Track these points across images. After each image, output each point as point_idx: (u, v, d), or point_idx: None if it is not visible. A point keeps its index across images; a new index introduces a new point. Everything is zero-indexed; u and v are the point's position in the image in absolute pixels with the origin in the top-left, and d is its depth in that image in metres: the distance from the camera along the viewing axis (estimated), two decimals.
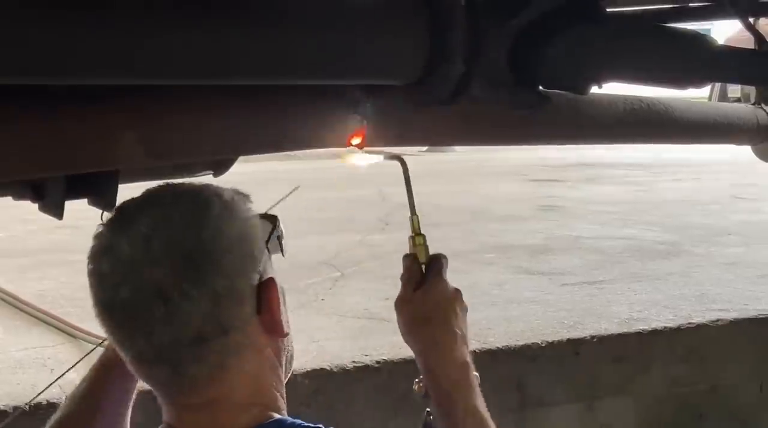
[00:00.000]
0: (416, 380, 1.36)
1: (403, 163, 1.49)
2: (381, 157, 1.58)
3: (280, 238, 1.21)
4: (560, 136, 2.29)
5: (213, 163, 2.04)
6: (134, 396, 1.42)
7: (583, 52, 1.64)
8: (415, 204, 1.45)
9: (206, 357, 1.08)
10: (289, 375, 1.22)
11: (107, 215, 1.91)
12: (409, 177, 1.44)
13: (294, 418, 1.13)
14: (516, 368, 2.87)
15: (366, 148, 1.60)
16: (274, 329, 1.15)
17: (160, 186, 1.18)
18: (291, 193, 1.44)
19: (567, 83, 1.66)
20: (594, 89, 1.81)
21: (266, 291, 1.13)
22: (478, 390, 1.32)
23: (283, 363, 1.20)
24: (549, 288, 3.76)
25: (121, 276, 1.07)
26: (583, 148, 9.76)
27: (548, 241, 4.95)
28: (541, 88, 1.65)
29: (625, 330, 3.11)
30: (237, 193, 1.17)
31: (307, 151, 2.15)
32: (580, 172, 8.84)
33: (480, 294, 3.60)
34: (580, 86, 1.69)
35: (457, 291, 1.39)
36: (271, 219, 1.22)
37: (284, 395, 1.17)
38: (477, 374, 1.35)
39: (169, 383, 1.11)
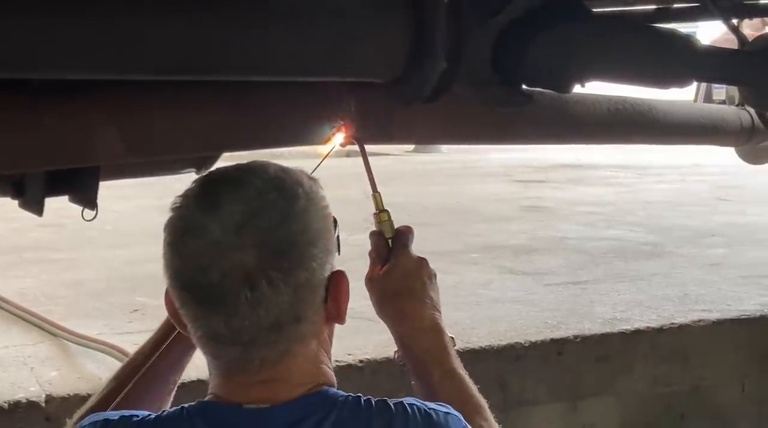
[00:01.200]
0: (395, 350, 1.41)
1: (360, 144, 1.51)
2: (339, 141, 1.59)
3: (338, 239, 1.22)
4: (544, 135, 2.29)
5: (196, 160, 2.04)
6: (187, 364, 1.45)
7: (566, 51, 1.65)
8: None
9: (278, 343, 1.12)
10: None
11: (89, 213, 1.92)
12: (367, 157, 1.45)
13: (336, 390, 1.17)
14: (499, 367, 2.87)
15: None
16: (337, 318, 1.19)
17: (242, 166, 1.18)
18: (326, 157, 1.47)
19: (550, 82, 1.67)
20: (577, 88, 1.81)
21: (336, 284, 1.17)
22: (453, 353, 1.36)
23: (332, 342, 1.25)
24: (533, 288, 3.77)
25: (210, 259, 1.08)
26: (568, 148, 9.79)
27: (533, 242, 4.96)
28: (524, 86, 1.66)
29: (609, 331, 3.12)
30: (309, 178, 1.20)
31: (293, 150, 2.14)
32: (565, 173, 8.87)
33: (464, 293, 3.60)
34: (563, 85, 1.70)
35: (422, 260, 1.42)
36: (333, 222, 1.23)
37: (332, 368, 1.21)
38: (452, 336, 1.38)
39: (235, 362, 1.13)
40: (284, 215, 1.11)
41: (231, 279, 1.08)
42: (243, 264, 1.08)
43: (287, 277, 1.09)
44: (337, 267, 1.19)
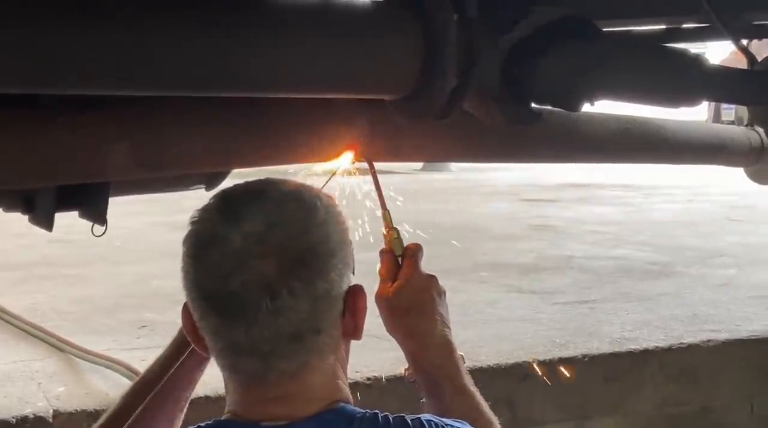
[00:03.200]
0: (405, 368, 1.40)
1: (370, 162, 1.52)
2: (348, 160, 1.59)
3: (353, 261, 1.22)
4: (553, 154, 2.28)
5: (205, 177, 2.03)
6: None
7: (576, 69, 1.64)
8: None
9: (297, 355, 1.12)
10: None
11: (98, 229, 1.91)
12: (376, 175, 1.46)
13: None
14: (507, 387, 2.86)
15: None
16: (354, 333, 1.19)
17: (261, 181, 1.19)
18: (334, 174, 1.48)
19: (559, 100, 1.66)
20: (586, 107, 1.81)
21: (354, 298, 1.17)
22: (463, 369, 1.36)
23: (348, 359, 1.25)
24: (541, 307, 3.76)
25: (230, 268, 1.09)
26: (575, 168, 9.78)
27: (540, 260, 4.95)
28: (533, 104, 1.65)
29: (617, 350, 3.11)
30: (326, 195, 1.21)
31: (300, 167, 2.15)
32: (573, 192, 8.86)
33: (472, 312, 3.59)
34: (572, 103, 1.69)
35: (432, 278, 1.42)
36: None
37: (347, 384, 1.21)
38: (462, 353, 1.38)
39: (254, 375, 1.13)
40: (304, 225, 1.12)
41: (252, 288, 1.08)
42: (264, 273, 1.08)
43: (307, 287, 1.10)
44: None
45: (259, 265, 1.08)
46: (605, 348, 3.11)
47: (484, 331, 3.27)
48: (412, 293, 1.39)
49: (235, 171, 2.03)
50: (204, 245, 1.11)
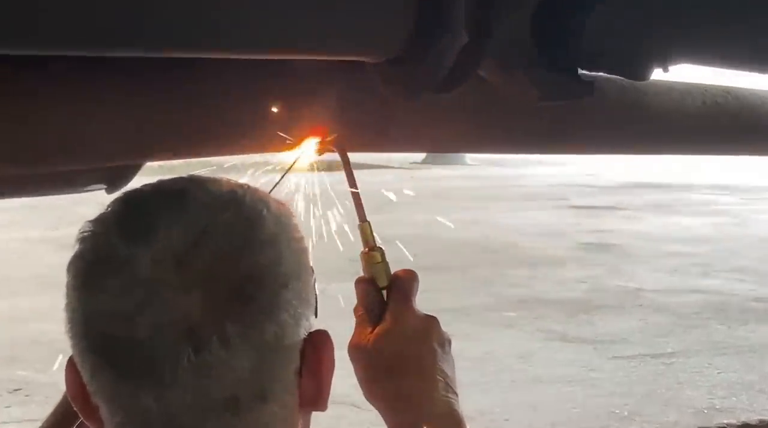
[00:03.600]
0: None
1: (343, 152, 1.54)
2: (313, 147, 1.61)
3: (316, 297, 1.23)
4: (610, 142, 2.30)
5: (107, 173, 2.04)
6: None
7: (642, 21, 1.66)
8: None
9: None
10: None
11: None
12: (351, 171, 1.47)
13: None
14: None
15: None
16: (316, 401, 1.20)
17: (182, 179, 1.20)
18: (290, 168, 1.50)
19: (618, 64, 1.68)
20: (657, 74, 1.82)
21: (316, 349, 1.18)
22: None
23: None
24: (594, 363, 3.78)
25: (137, 306, 1.08)
26: (650, 161, 9.83)
27: (594, 295, 4.98)
28: (581, 70, 1.66)
29: (704, 426, 3.13)
30: (276, 200, 1.22)
31: (246, 159, 2.16)
32: (643, 195, 8.91)
33: (495, 369, 3.61)
34: (638, 69, 1.70)
35: (431, 320, 1.43)
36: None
37: None
38: None
39: None
40: (244, 243, 1.12)
41: (167, 335, 1.08)
42: (185, 312, 1.08)
43: (248, 331, 1.10)
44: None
45: (178, 301, 1.08)
46: (687, 421, 3.14)
47: (510, 397, 3.30)
48: (401, 342, 1.40)
49: (149, 165, 2.04)
50: (96, 271, 1.12)
